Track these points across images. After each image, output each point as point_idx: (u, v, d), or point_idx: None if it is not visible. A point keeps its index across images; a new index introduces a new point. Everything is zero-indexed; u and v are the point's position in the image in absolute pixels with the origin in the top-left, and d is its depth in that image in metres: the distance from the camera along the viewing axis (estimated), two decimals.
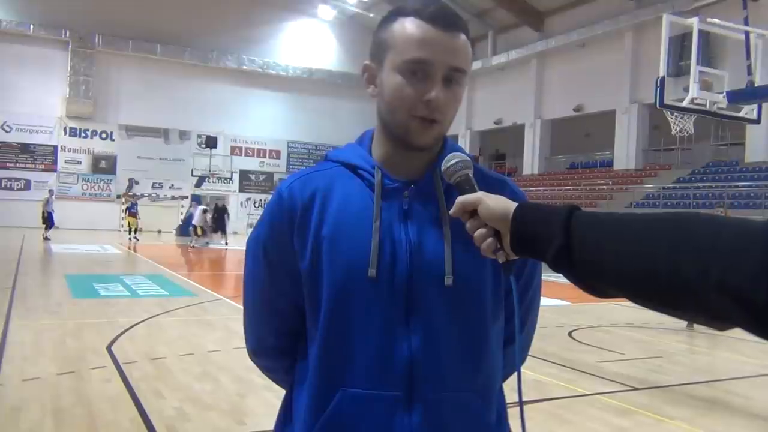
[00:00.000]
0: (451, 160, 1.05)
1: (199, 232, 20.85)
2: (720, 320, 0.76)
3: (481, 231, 0.97)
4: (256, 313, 1.26)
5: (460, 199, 1.00)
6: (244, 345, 1.32)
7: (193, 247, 20.07)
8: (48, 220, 20.73)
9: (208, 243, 21.16)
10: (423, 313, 1.08)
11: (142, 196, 27.71)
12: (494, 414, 1.17)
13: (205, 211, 21.45)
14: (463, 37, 1.09)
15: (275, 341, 1.24)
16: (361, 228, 1.10)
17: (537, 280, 1.25)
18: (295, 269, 1.14)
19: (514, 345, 1.14)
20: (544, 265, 0.94)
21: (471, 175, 1.04)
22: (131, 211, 21.96)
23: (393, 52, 1.08)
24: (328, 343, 1.11)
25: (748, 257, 0.70)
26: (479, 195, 0.99)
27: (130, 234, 21.78)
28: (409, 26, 1.07)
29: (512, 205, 0.96)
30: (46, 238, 19.88)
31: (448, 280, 1.08)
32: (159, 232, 27.68)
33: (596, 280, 0.87)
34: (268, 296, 1.21)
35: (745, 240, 0.72)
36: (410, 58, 1.06)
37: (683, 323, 7.95)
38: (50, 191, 23.00)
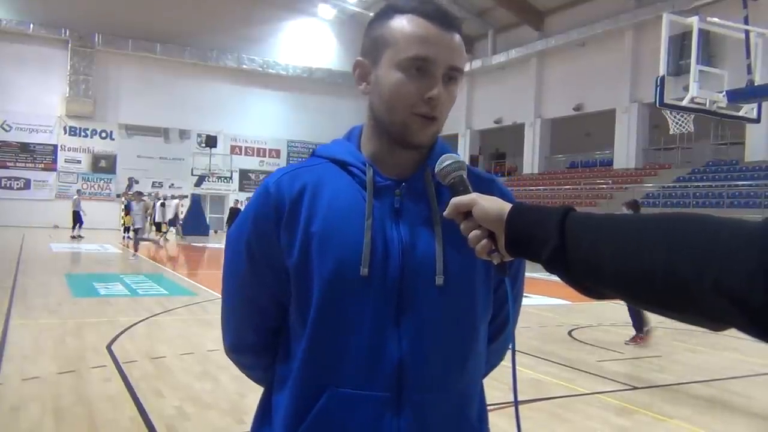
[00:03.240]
0: (445, 161, 1.03)
1: (164, 228, 19.66)
2: (716, 321, 0.76)
3: (475, 233, 0.96)
4: (235, 309, 1.22)
5: (455, 200, 0.99)
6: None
7: (158, 244, 18.98)
8: (77, 219, 21.08)
9: (166, 240, 20.03)
10: (414, 312, 1.07)
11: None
12: (475, 412, 1.16)
13: (162, 205, 19.92)
14: (459, 36, 1.08)
15: (255, 338, 1.20)
16: (352, 225, 1.07)
17: (522, 273, 1.25)
18: (279, 265, 1.11)
19: (496, 342, 1.21)
20: (537, 264, 0.94)
21: (465, 176, 1.03)
22: (127, 209, 21.92)
23: (392, 49, 1.06)
24: (316, 342, 1.08)
25: (745, 258, 0.69)
26: (473, 196, 0.98)
27: (125, 233, 21.68)
28: (409, 23, 1.06)
29: (507, 207, 0.95)
30: (78, 237, 20.03)
31: (439, 280, 1.06)
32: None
33: (591, 281, 0.86)
34: (249, 292, 1.17)
35: (741, 240, 0.71)
36: (412, 55, 1.04)
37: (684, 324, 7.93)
38: (78, 191, 23.33)
